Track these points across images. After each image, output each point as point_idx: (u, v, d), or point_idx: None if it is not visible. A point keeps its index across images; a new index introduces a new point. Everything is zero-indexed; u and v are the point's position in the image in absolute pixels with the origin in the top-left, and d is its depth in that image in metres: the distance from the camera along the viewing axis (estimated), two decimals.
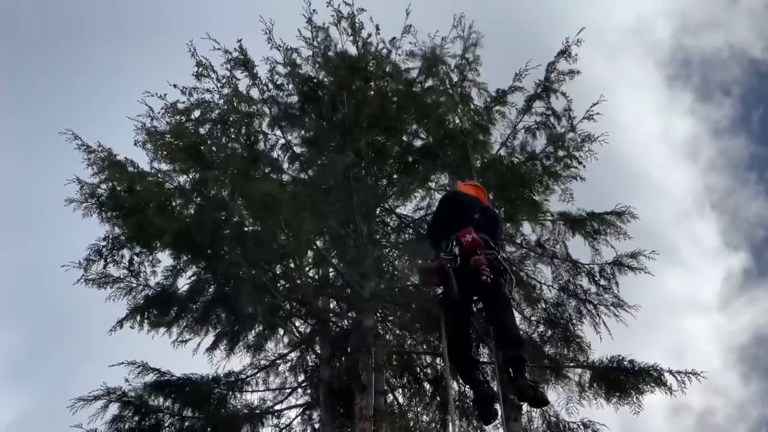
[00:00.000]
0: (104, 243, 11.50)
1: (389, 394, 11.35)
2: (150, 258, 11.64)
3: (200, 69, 12.12)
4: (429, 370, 11.76)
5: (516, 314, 8.15)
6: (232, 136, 11.92)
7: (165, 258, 11.60)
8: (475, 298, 7.56)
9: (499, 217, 8.47)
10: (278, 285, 11.15)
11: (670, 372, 10.04)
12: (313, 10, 12.53)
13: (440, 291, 8.08)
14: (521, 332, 8.42)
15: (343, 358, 11.08)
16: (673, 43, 38.79)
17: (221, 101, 12.12)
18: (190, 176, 11.21)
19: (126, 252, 11.59)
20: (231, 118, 11.92)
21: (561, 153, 11.62)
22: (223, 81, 12.22)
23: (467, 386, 9.48)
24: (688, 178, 38.92)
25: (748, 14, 35.39)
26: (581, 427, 10.36)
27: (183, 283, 11.72)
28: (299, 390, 11.87)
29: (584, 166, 11.54)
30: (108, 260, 11.51)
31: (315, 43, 12.55)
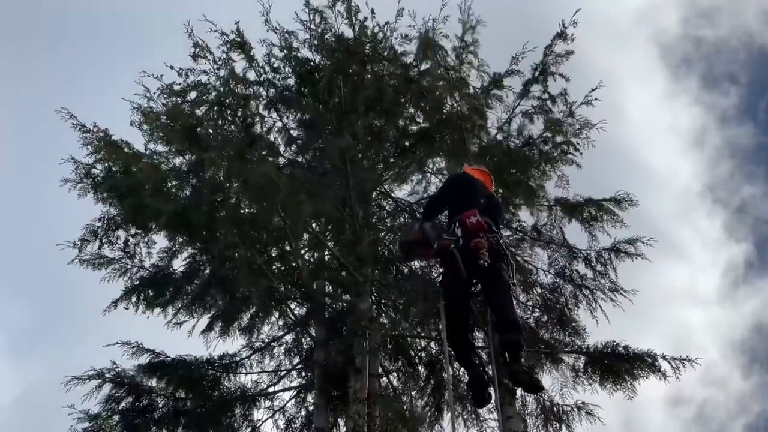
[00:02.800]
0: (99, 223, 11.57)
1: (384, 378, 11.41)
2: (145, 239, 11.73)
3: (197, 50, 12.04)
4: (424, 354, 11.81)
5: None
6: (229, 118, 11.91)
7: (160, 239, 11.74)
8: (474, 280, 7.62)
9: (502, 206, 8.59)
10: (273, 267, 11.19)
11: (665, 358, 10.13)
12: None
13: (441, 272, 8.16)
14: (519, 317, 8.42)
15: (338, 341, 11.15)
16: (679, 30, 38.69)
17: (218, 83, 12.08)
18: (187, 158, 11.26)
19: (121, 233, 11.67)
20: (227, 101, 11.90)
21: (559, 138, 11.66)
22: (220, 63, 12.15)
23: (462, 369, 9.57)
24: (692, 168, 38.91)
25: (756, 1, 35.28)
26: (575, 409, 10.49)
27: (178, 265, 11.91)
28: (293, 372, 11.96)
29: (581, 153, 11.60)
30: (103, 241, 11.58)
31: (312, 26, 12.52)
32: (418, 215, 12.07)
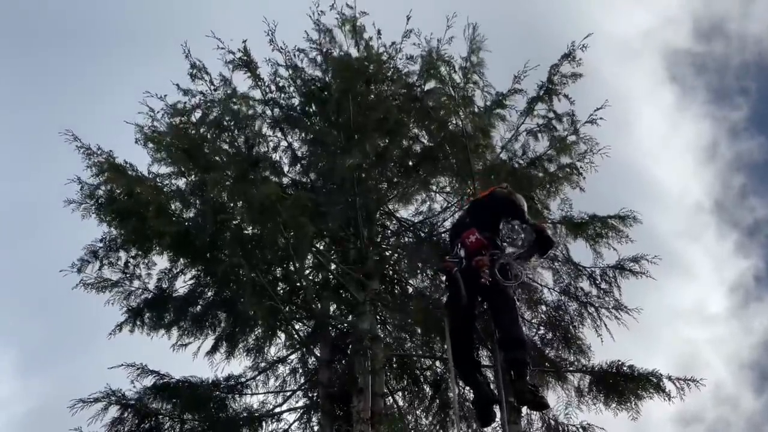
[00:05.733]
0: (101, 244, 11.81)
1: (389, 397, 11.65)
2: (145, 260, 11.97)
3: (194, 71, 12.45)
4: (429, 373, 12.08)
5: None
6: (228, 140, 12.19)
7: (160, 261, 12.02)
8: (479, 299, 7.87)
9: (497, 201, 8.37)
10: (278, 288, 11.50)
11: (670, 378, 10.33)
12: (321, 12, 12.94)
13: (446, 293, 8.37)
14: (525, 334, 8.63)
15: (343, 361, 11.40)
16: (688, 44, 38.89)
17: (217, 105, 12.40)
18: (190, 179, 11.57)
19: (122, 254, 11.90)
20: (230, 122, 12.19)
21: (563, 157, 11.96)
22: (218, 84, 12.55)
23: (467, 388, 9.78)
24: (703, 183, 39.04)
25: (765, 13, 35.48)
26: (580, 429, 10.63)
27: (181, 286, 12.15)
28: (299, 393, 12.20)
29: (584, 177, 11.94)
30: (104, 262, 11.82)
31: (317, 46, 12.90)
32: (422, 234, 12.38)
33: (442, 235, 11.99)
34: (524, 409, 8.25)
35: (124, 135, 11.87)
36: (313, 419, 11.91)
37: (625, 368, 10.44)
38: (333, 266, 12.23)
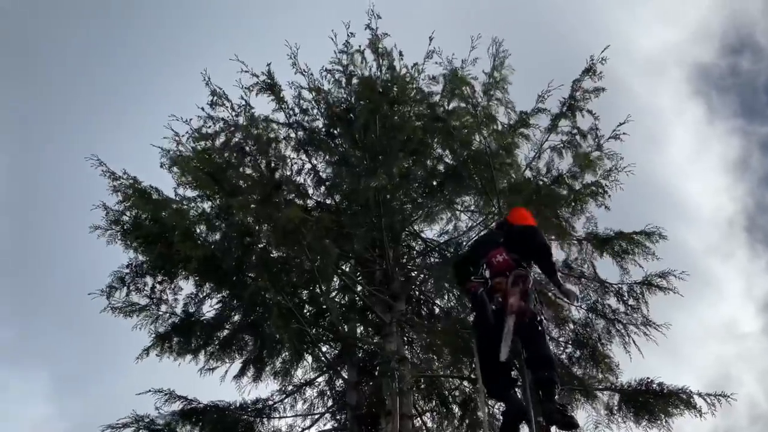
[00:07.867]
0: (127, 270, 11.81)
1: (418, 418, 11.69)
2: (172, 286, 12.00)
3: (215, 98, 12.57)
4: (457, 393, 12.15)
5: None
6: (257, 162, 12.29)
7: (187, 285, 12.03)
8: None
9: (531, 231, 8.29)
10: (304, 310, 11.59)
11: (700, 395, 10.38)
12: (351, 34, 13.03)
13: (473, 313, 8.42)
14: (553, 353, 8.65)
15: (370, 383, 11.47)
16: (717, 59, 38.78)
17: (243, 128, 12.52)
18: (215, 202, 11.66)
19: (149, 279, 11.91)
20: (253, 146, 12.31)
21: (588, 174, 11.99)
22: (239, 110, 12.66)
23: (497, 405, 9.79)
24: (734, 198, 38.82)
25: None
26: None
27: (208, 310, 12.15)
28: (327, 415, 12.29)
29: (609, 195, 11.93)
30: (131, 288, 11.82)
31: (340, 68, 13.04)
32: (447, 254, 12.45)
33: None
34: (553, 429, 8.23)
35: (146, 156, 12.04)
36: None
37: (654, 385, 10.52)
38: (359, 288, 12.34)
